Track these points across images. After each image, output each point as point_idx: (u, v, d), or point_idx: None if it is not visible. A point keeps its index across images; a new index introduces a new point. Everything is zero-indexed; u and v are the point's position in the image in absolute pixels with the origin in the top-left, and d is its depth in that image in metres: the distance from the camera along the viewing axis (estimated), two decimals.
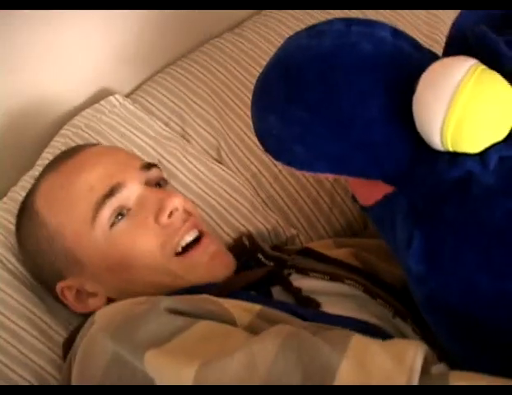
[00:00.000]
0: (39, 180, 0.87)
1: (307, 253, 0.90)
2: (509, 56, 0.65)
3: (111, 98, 1.05)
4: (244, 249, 0.91)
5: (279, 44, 0.78)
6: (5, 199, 0.95)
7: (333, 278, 0.84)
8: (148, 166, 0.87)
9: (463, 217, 0.66)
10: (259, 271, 0.83)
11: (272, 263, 0.87)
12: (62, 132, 1.01)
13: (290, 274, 0.85)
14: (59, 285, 0.83)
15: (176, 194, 0.85)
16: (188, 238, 0.83)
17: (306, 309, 0.78)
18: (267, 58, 0.78)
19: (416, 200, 0.69)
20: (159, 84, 1.09)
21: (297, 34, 0.76)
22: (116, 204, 0.81)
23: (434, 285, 0.67)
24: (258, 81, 0.76)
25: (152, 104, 1.07)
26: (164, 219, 0.81)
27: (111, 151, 0.92)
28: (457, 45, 0.70)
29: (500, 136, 0.65)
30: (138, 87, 1.11)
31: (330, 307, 0.80)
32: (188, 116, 1.06)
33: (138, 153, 0.99)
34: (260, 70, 0.77)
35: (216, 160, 1.03)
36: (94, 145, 0.93)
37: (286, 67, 0.73)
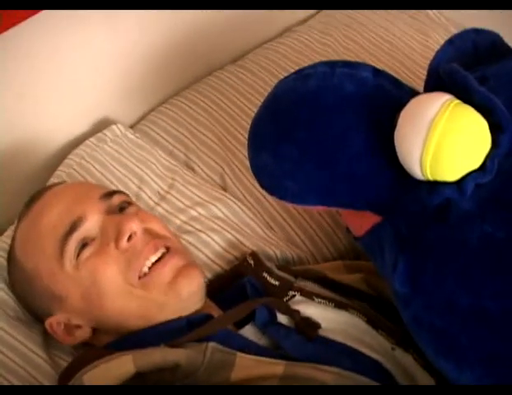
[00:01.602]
0: (16, 227, 0.91)
1: (320, 280, 0.91)
2: (479, 90, 0.69)
3: (113, 127, 1.10)
4: (249, 267, 0.92)
5: (279, 75, 0.83)
6: (12, 227, 0.98)
7: (338, 305, 0.86)
8: (109, 194, 0.88)
9: (442, 241, 0.71)
10: (245, 308, 0.83)
11: (277, 283, 0.88)
12: (66, 161, 1.06)
13: (294, 296, 0.87)
14: (48, 322, 0.86)
15: (132, 218, 0.84)
16: (154, 258, 0.84)
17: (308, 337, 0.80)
18: (268, 88, 0.84)
19: (400, 227, 0.74)
20: (163, 114, 1.15)
21: (286, 77, 0.81)
22: (80, 237, 0.83)
23: (418, 306, 0.71)
24: (252, 122, 0.82)
25: (157, 133, 1.12)
26: (123, 244, 0.82)
27: (72, 186, 0.94)
28: (434, 82, 0.75)
29: (475, 164, 0.69)
30: (142, 118, 1.16)
31: (330, 333, 0.82)
32: (192, 143, 1.11)
33: (140, 184, 1.03)
34: (261, 99, 0.82)
35: (220, 187, 1.08)
36: (58, 184, 0.96)
37: (275, 109, 0.79)
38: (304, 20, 1.31)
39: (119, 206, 0.87)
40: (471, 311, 0.68)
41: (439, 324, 0.70)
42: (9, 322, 0.89)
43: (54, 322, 0.86)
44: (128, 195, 0.92)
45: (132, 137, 1.11)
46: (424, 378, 0.80)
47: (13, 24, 0.93)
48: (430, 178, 0.70)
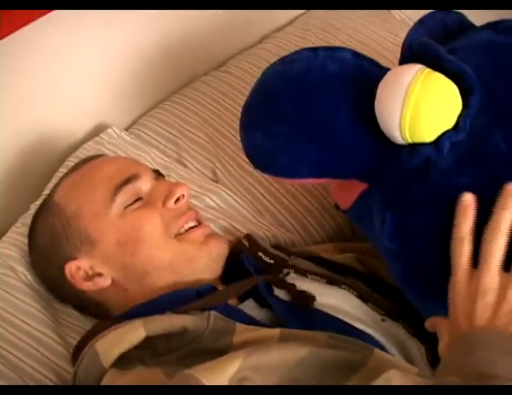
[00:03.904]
0: (59, 181, 0.97)
1: (314, 259, 0.96)
2: (449, 58, 0.77)
3: (109, 130, 1.15)
4: (243, 248, 0.96)
5: None
6: (17, 224, 1.03)
7: (330, 281, 0.90)
8: (159, 172, 0.98)
9: (425, 196, 0.77)
10: (246, 283, 0.88)
11: (272, 261, 0.94)
12: (66, 163, 1.10)
13: (288, 273, 0.92)
14: (69, 265, 0.90)
15: (182, 184, 0.95)
16: (192, 223, 0.93)
17: (302, 310, 0.84)
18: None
19: (386, 190, 0.81)
20: (154, 117, 1.21)
21: (272, 64, 0.88)
22: (132, 190, 0.91)
23: (406, 257, 0.78)
24: (243, 106, 0.89)
25: (149, 135, 1.18)
26: (170, 203, 0.91)
27: (125, 156, 1.07)
28: (408, 57, 0.82)
29: (449, 124, 0.76)
30: (134, 122, 1.22)
31: (323, 307, 0.85)
32: (183, 142, 1.17)
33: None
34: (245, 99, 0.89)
35: (212, 180, 1.13)
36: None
37: (264, 92, 0.86)
38: (282, 27, 1.39)
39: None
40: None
41: (426, 272, 0.77)
42: (22, 309, 0.93)
43: (75, 266, 0.90)
44: None
45: (127, 137, 1.16)
46: (413, 346, 0.85)
47: (11, 30, 0.97)
48: (410, 140, 0.77)
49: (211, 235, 0.94)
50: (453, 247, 0.75)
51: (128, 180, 0.91)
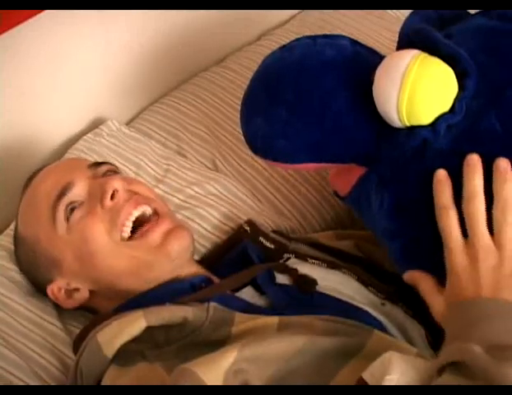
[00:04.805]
0: (19, 206, 0.96)
1: (314, 245, 0.97)
2: (445, 43, 0.79)
3: (109, 122, 1.17)
4: (245, 234, 0.97)
5: None
6: (12, 226, 1.04)
7: (330, 266, 0.91)
8: (96, 164, 0.95)
9: (421, 176, 0.79)
10: (246, 274, 0.87)
11: (272, 246, 0.95)
12: (67, 155, 1.12)
13: (289, 258, 0.93)
14: (49, 288, 0.91)
15: (114, 177, 0.90)
16: (136, 213, 0.88)
17: (305, 293, 0.85)
18: None
19: (384, 172, 0.82)
20: (154, 112, 1.23)
21: (273, 51, 0.90)
22: (68, 201, 0.88)
23: (404, 235, 0.80)
24: (244, 94, 0.90)
25: (150, 129, 1.20)
26: (107, 202, 0.88)
27: (63, 161, 1.04)
28: (404, 43, 0.84)
29: (446, 107, 0.78)
30: (135, 117, 1.24)
31: (324, 290, 0.86)
32: (184, 135, 1.19)
33: (137, 170, 1.10)
34: None
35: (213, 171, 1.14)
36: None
37: (265, 77, 0.88)
38: (280, 25, 1.41)
39: (105, 173, 0.93)
40: None
41: (424, 249, 0.79)
42: (26, 298, 0.95)
43: (55, 287, 0.91)
44: (116, 166, 0.98)
45: (126, 131, 1.18)
46: (413, 328, 0.86)
47: (12, 25, 0.99)
48: (407, 123, 0.78)
49: (172, 230, 0.89)
50: (439, 219, 0.76)
51: (61, 194, 0.89)
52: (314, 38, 0.88)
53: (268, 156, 0.89)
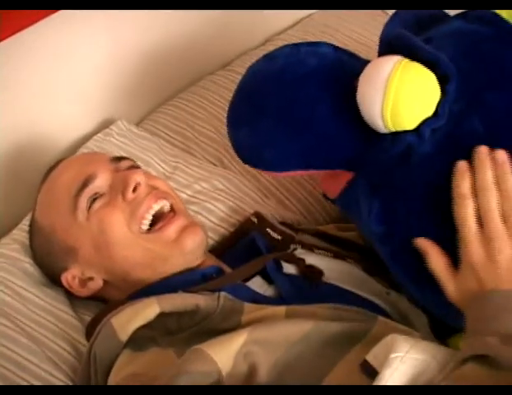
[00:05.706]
0: (38, 193, 0.98)
1: (319, 235, 0.99)
2: (425, 48, 0.80)
3: (118, 122, 1.19)
4: (252, 225, 0.99)
5: None
6: (24, 221, 1.06)
7: (336, 256, 0.93)
8: (118, 158, 0.97)
9: (408, 181, 0.80)
10: (255, 264, 0.89)
11: (280, 237, 0.96)
12: (78, 154, 1.12)
13: (295, 249, 0.94)
14: (63, 277, 0.93)
15: (137, 171, 0.93)
16: (156, 206, 0.91)
17: (312, 283, 0.87)
18: None
19: (371, 178, 0.83)
20: (163, 113, 1.27)
21: (257, 60, 0.91)
22: (90, 192, 0.91)
23: (393, 241, 0.81)
24: (229, 105, 0.91)
25: (158, 129, 1.23)
26: (129, 194, 0.90)
27: (84, 154, 1.07)
28: (385, 49, 0.85)
29: (429, 111, 0.79)
30: (144, 118, 1.27)
31: (331, 280, 0.88)
32: (191, 134, 1.22)
33: (146, 168, 1.10)
34: None
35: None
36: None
37: (248, 88, 0.89)
38: (284, 30, 1.45)
39: (128, 168, 0.96)
40: (437, 239, 0.78)
41: (412, 255, 0.80)
42: (39, 288, 0.97)
43: (69, 275, 0.93)
44: (135, 161, 1.01)
45: (136, 130, 1.21)
46: (417, 317, 0.88)
47: (26, 26, 1.02)
48: (392, 128, 0.80)
49: (186, 227, 0.91)
50: (457, 206, 0.76)
51: (84, 185, 0.92)
52: (296, 46, 0.88)
53: (258, 166, 0.90)
